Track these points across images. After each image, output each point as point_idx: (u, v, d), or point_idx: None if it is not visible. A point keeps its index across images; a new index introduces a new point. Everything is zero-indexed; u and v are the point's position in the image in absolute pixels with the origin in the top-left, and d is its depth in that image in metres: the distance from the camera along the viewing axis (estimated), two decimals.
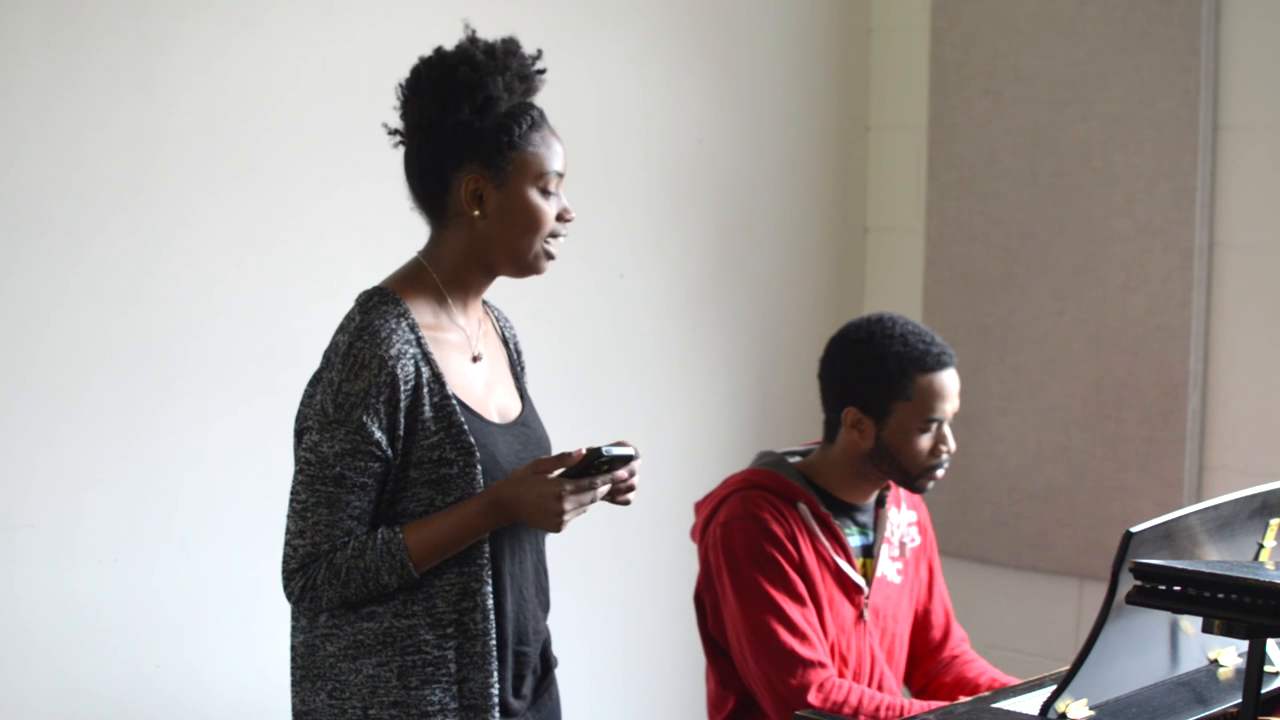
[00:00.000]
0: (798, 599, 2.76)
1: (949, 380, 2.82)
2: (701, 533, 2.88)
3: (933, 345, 2.82)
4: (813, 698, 2.69)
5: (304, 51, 3.18)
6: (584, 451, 2.24)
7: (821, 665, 2.72)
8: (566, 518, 2.26)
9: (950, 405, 2.82)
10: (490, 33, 2.37)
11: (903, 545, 2.94)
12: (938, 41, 4.15)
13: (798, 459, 2.93)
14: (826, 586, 2.81)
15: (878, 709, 2.68)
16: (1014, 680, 2.85)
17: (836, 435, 2.87)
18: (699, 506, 2.93)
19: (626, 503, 2.35)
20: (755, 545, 2.77)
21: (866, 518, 2.91)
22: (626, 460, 2.26)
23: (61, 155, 2.86)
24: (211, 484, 3.08)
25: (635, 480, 2.33)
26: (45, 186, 2.85)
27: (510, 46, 2.34)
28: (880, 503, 2.93)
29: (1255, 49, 3.75)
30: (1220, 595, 1.99)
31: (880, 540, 2.90)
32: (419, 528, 2.27)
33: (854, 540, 2.88)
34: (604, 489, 2.28)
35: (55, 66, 2.84)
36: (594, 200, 3.69)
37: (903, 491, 2.95)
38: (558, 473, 2.25)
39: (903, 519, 2.95)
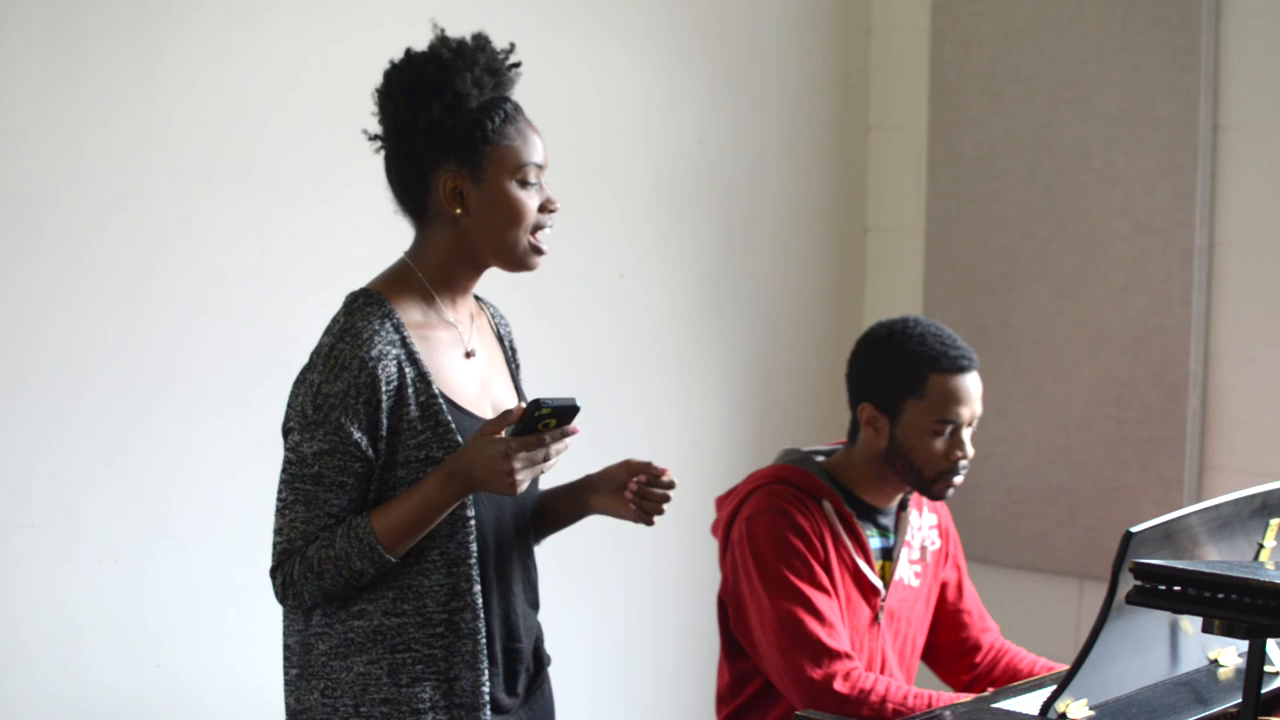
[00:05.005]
0: (823, 589, 2.76)
1: (967, 384, 2.81)
2: (725, 527, 2.89)
3: (951, 347, 2.82)
4: (839, 686, 2.69)
5: (304, 52, 3.18)
6: (523, 406, 2.21)
7: (847, 655, 2.72)
8: (518, 477, 2.21)
9: (967, 410, 2.81)
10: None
11: (923, 549, 2.94)
12: (938, 41, 4.15)
13: (822, 458, 2.93)
14: (845, 586, 2.81)
15: (905, 698, 2.68)
16: (1062, 666, 2.84)
17: (858, 435, 2.88)
18: (721, 501, 2.93)
19: (650, 523, 2.37)
20: (780, 538, 2.77)
21: (888, 520, 2.91)
22: (571, 411, 2.20)
23: (61, 155, 2.86)
24: (211, 484, 3.08)
25: (668, 491, 2.37)
26: (45, 186, 2.85)
27: (479, 42, 2.34)
28: (903, 506, 2.93)
29: (1255, 49, 3.75)
30: (1220, 595, 1.99)
31: (900, 543, 2.90)
32: (384, 510, 2.26)
33: (874, 542, 2.88)
34: (559, 446, 2.22)
35: (55, 66, 2.84)
36: (594, 200, 3.69)
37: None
38: (504, 433, 2.22)
39: (924, 522, 2.95)
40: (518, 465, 2.20)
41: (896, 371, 2.82)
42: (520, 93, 2.40)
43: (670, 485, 2.37)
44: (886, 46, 4.30)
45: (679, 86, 3.91)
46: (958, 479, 2.84)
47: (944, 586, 3.00)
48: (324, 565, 2.26)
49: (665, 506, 2.40)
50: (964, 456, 2.82)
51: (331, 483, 2.26)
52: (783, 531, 2.77)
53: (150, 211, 2.98)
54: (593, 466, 2.51)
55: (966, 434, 2.83)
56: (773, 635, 2.76)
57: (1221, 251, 3.81)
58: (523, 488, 2.23)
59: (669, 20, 3.87)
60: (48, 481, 2.88)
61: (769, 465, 2.91)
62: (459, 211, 2.33)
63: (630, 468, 2.37)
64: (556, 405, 2.18)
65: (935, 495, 2.85)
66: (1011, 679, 2.95)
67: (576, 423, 2.23)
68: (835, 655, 2.72)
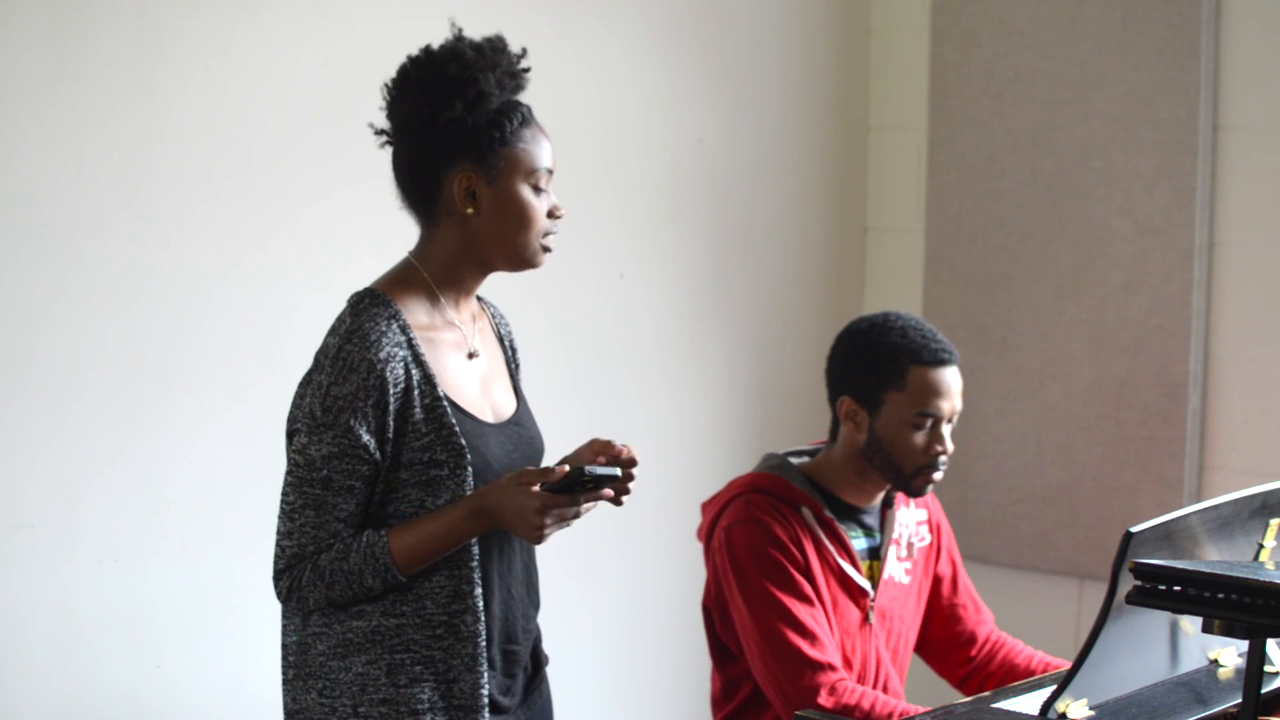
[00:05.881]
0: (805, 599, 2.75)
1: (947, 377, 2.81)
2: (707, 535, 2.88)
3: (933, 340, 2.82)
4: (823, 699, 2.68)
5: (303, 50, 3.18)
6: (567, 469, 2.24)
7: (831, 667, 2.71)
8: (546, 531, 2.25)
9: (947, 404, 2.81)
10: (490, 33, 2.37)
11: (910, 545, 2.93)
12: (938, 41, 4.15)
13: (804, 459, 2.92)
14: (831, 590, 2.80)
15: (890, 715, 2.67)
16: (1063, 662, 2.84)
17: (839, 433, 2.87)
18: (705, 507, 2.92)
19: (619, 503, 2.35)
20: (759, 550, 2.76)
21: (872, 520, 2.91)
22: (611, 479, 2.25)
23: (61, 155, 2.86)
24: (211, 483, 3.08)
25: (631, 485, 2.33)
26: (45, 186, 2.85)
27: (498, 44, 2.34)
28: (888, 504, 2.92)
29: (1255, 49, 3.75)
30: (1220, 595, 1.99)
31: (888, 542, 2.89)
32: (404, 532, 2.27)
33: (859, 543, 2.87)
34: (589, 505, 2.27)
35: (55, 66, 2.84)
36: (594, 200, 3.69)
37: None
38: (539, 486, 2.25)
39: (911, 518, 2.94)
40: (547, 521, 2.24)
41: (877, 364, 2.81)
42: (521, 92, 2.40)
43: (631, 464, 2.34)
44: (886, 46, 4.30)
45: (679, 86, 3.91)
46: (937, 475, 2.82)
47: (938, 581, 3.00)
48: (335, 577, 2.26)
49: (632, 487, 2.35)
50: (944, 451, 2.81)
51: (340, 486, 2.26)
52: (761, 543, 2.76)
53: (150, 211, 2.98)
54: None
55: (946, 429, 2.81)
56: (756, 648, 2.76)
57: (1221, 251, 3.81)
58: (547, 540, 2.27)
59: (669, 20, 3.87)
60: (48, 481, 2.88)
61: (748, 472, 2.90)
62: (471, 211, 2.33)
63: (594, 448, 2.36)
64: (599, 475, 2.23)
65: (914, 491, 2.84)
66: (1009, 672, 2.95)
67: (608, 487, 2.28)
68: (818, 667, 2.71)
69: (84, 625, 2.93)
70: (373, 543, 2.26)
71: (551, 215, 2.37)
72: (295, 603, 2.30)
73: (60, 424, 2.89)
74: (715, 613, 2.87)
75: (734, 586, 2.78)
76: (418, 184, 2.35)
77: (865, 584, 2.84)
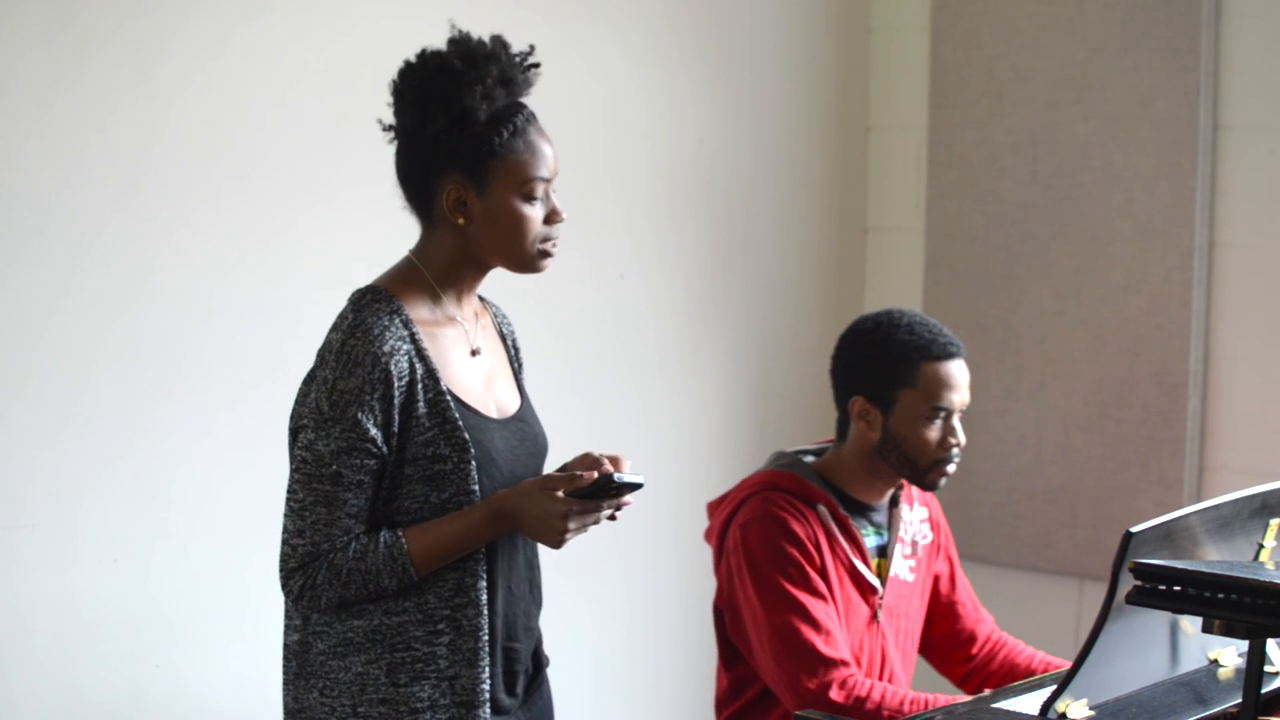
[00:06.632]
0: (819, 595, 2.76)
1: (956, 370, 2.83)
2: (719, 535, 2.88)
3: (940, 335, 2.84)
4: (835, 694, 2.69)
5: (304, 51, 3.18)
6: (595, 476, 2.25)
7: (843, 663, 2.72)
8: (568, 537, 2.27)
9: (958, 396, 2.82)
10: (489, 33, 2.36)
11: (915, 543, 2.94)
12: (938, 41, 4.15)
13: (811, 458, 2.93)
14: (843, 588, 2.81)
15: (901, 703, 2.68)
16: (1064, 662, 2.85)
17: (848, 432, 2.88)
18: (714, 508, 2.92)
19: (612, 518, 2.35)
20: (775, 545, 2.77)
21: (881, 517, 2.92)
22: (635, 487, 2.27)
23: (61, 155, 2.86)
24: (211, 484, 3.08)
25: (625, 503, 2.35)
26: (45, 186, 2.85)
27: (495, 48, 2.32)
28: (894, 502, 2.93)
29: (1255, 49, 3.75)
30: (1220, 595, 1.99)
31: (894, 539, 2.90)
32: (422, 533, 2.27)
33: (870, 541, 2.88)
34: (608, 512, 2.29)
35: (55, 66, 2.84)
36: (594, 200, 3.69)
37: (914, 489, 2.96)
38: (564, 492, 2.26)
39: (915, 516, 2.96)
40: (571, 526, 2.26)
41: (887, 363, 2.82)
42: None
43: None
44: (886, 46, 4.30)
45: (679, 86, 3.91)
46: (950, 467, 2.84)
47: (937, 579, 3.01)
48: (352, 577, 2.26)
49: (625, 500, 2.36)
50: (957, 444, 2.83)
51: (350, 481, 2.25)
52: (777, 539, 2.77)
53: (150, 211, 2.98)
54: None
55: (958, 421, 2.84)
56: (768, 644, 2.76)
57: (1221, 251, 3.81)
58: (567, 545, 2.28)
59: (669, 20, 3.87)
60: (48, 481, 2.88)
61: (760, 471, 2.91)
62: (462, 221, 2.33)
63: (586, 462, 2.36)
64: (625, 483, 2.26)
65: (928, 485, 2.85)
66: (1009, 672, 2.96)
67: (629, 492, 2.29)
68: (831, 663, 2.71)
69: (84, 625, 2.93)
70: (391, 544, 2.26)
71: (550, 221, 2.35)
72: (307, 602, 2.29)
73: (60, 424, 2.89)
74: (727, 613, 2.87)
75: (748, 583, 2.79)
76: (413, 189, 2.36)
77: (876, 581, 2.85)
